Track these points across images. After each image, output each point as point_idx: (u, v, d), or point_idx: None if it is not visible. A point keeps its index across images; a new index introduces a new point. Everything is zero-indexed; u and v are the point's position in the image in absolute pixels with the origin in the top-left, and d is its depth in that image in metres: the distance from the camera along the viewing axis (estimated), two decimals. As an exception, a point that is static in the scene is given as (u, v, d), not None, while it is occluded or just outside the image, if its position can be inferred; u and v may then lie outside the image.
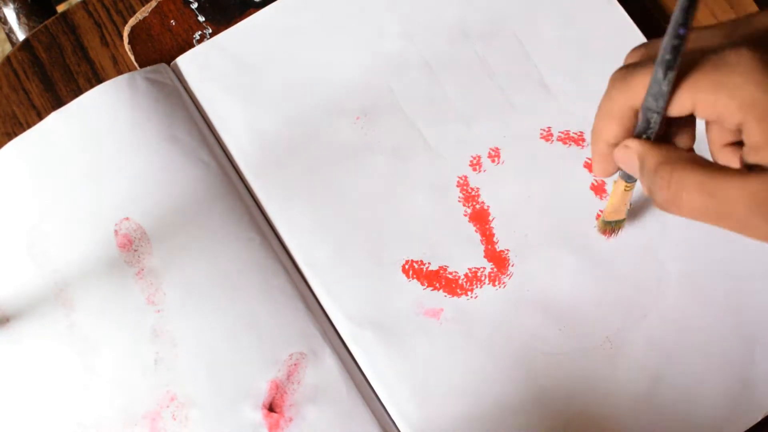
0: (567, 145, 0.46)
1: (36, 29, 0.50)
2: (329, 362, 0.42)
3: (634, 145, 0.32)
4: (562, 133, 0.47)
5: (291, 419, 0.41)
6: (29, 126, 0.47)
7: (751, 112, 0.27)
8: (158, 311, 0.43)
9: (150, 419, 0.42)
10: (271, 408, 0.42)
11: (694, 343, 0.43)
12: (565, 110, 0.47)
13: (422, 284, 0.44)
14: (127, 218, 0.45)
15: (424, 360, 0.43)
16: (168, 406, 0.42)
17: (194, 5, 0.50)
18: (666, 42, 0.27)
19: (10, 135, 0.48)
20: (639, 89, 0.30)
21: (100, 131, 0.46)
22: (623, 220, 0.43)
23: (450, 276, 0.44)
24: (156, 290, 0.44)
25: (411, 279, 0.44)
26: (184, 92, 0.48)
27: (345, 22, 0.49)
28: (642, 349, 0.43)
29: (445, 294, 0.44)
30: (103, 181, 0.45)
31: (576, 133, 0.47)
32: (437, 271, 0.44)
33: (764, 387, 0.42)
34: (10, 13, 0.54)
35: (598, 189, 0.46)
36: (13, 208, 0.45)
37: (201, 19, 0.50)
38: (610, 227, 0.43)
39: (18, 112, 0.49)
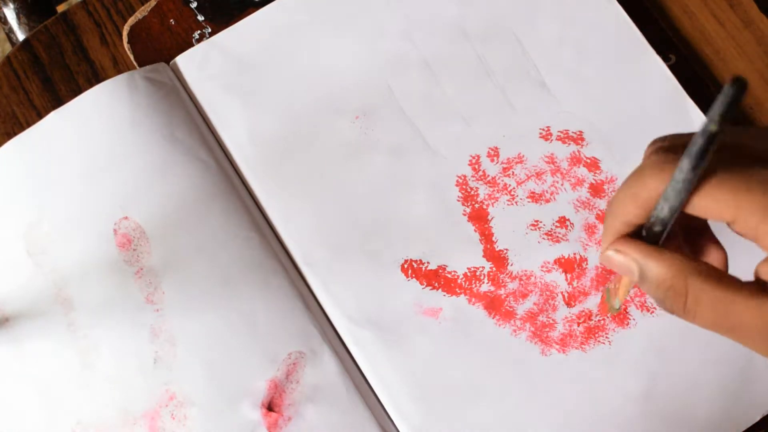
0: (566, 144, 0.46)
1: (36, 29, 0.50)
2: (328, 361, 0.42)
3: (631, 251, 0.29)
4: (561, 132, 0.47)
5: (290, 418, 0.41)
6: (29, 126, 0.47)
7: None
8: (157, 310, 0.43)
9: (149, 418, 0.42)
10: (269, 407, 0.42)
11: (693, 343, 0.43)
12: (564, 110, 0.47)
13: (421, 284, 0.44)
14: (126, 217, 0.45)
15: (423, 359, 0.43)
16: (167, 405, 0.42)
17: (194, 4, 0.50)
18: (699, 136, 0.25)
19: (10, 135, 0.48)
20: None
21: (99, 130, 0.46)
22: (617, 310, 0.42)
23: (449, 275, 0.44)
24: (155, 289, 0.44)
25: (410, 278, 0.44)
26: (184, 91, 0.48)
27: (345, 22, 0.49)
28: (641, 348, 0.43)
29: (444, 293, 0.44)
30: (102, 180, 0.45)
31: (575, 133, 0.47)
32: (436, 271, 0.44)
33: (762, 387, 0.42)
34: (10, 13, 0.54)
35: (597, 189, 0.46)
36: (12, 208, 0.45)
37: (200, 18, 0.50)
38: (618, 311, 0.42)
39: (18, 111, 0.49)
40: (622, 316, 0.43)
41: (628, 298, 0.44)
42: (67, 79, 0.49)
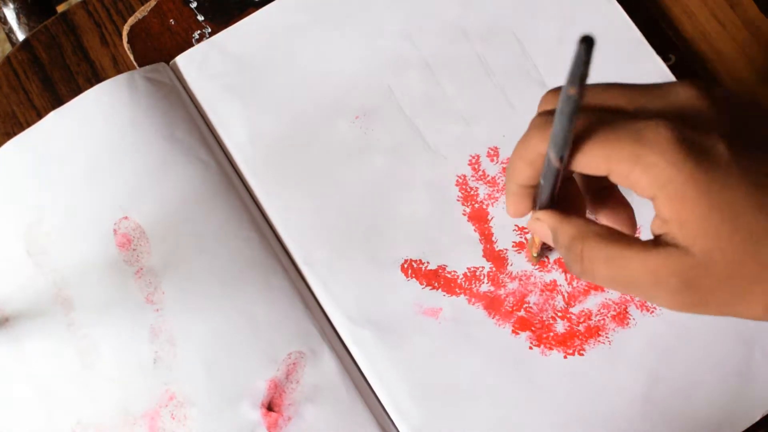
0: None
1: (36, 29, 0.50)
2: (328, 361, 0.42)
3: (545, 218, 0.33)
4: (561, 132, 0.47)
5: (290, 418, 0.41)
6: (29, 126, 0.47)
7: (663, 190, 0.28)
8: (157, 310, 0.43)
9: (149, 418, 0.42)
10: (269, 407, 0.42)
11: (693, 343, 0.43)
12: (564, 110, 0.47)
13: (421, 283, 0.44)
14: (126, 217, 0.45)
15: (423, 359, 0.43)
16: (167, 405, 0.42)
17: (193, 4, 0.50)
18: (564, 92, 0.27)
19: (10, 135, 0.48)
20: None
21: (99, 130, 0.46)
22: (536, 258, 0.44)
23: (449, 275, 0.44)
24: (155, 289, 0.44)
25: (410, 278, 0.44)
26: (183, 91, 0.48)
27: (344, 22, 0.49)
28: (641, 348, 0.43)
29: (444, 293, 0.44)
30: (102, 180, 0.45)
31: (575, 133, 0.47)
32: (436, 271, 0.44)
33: (762, 386, 0.42)
34: (10, 13, 0.54)
35: (598, 188, 0.46)
36: (12, 208, 0.45)
37: (200, 18, 0.50)
38: (538, 259, 0.44)
39: (18, 111, 0.49)
40: (622, 316, 0.43)
41: (627, 298, 0.44)
42: (67, 79, 0.49)
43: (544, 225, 0.33)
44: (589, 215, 0.35)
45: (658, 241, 0.30)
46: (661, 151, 0.28)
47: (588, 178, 0.35)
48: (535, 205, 0.34)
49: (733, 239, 0.28)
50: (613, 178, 0.30)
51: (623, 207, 0.35)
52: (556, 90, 0.32)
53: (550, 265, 0.44)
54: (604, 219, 0.35)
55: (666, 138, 0.28)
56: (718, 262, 0.28)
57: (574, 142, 0.29)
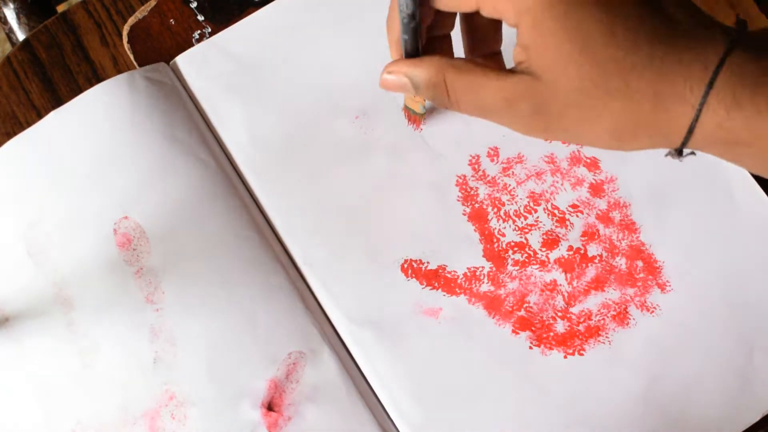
0: (566, 144, 0.46)
1: (36, 29, 0.50)
2: (328, 361, 0.42)
3: (396, 68, 0.34)
4: (561, 132, 0.47)
5: (290, 418, 0.41)
6: (29, 126, 0.47)
7: (524, 17, 0.30)
8: (157, 310, 0.43)
9: (149, 418, 0.42)
10: (269, 407, 0.42)
11: (693, 343, 0.43)
12: (564, 109, 0.47)
13: (421, 283, 0.44)
14: (126, 217, 0.45)
15: (423, 359, 0.43)
16: (167, 405, 0.42)
17: (193, 4, 0.50)
18: None
19: (10, 135, 0.48)
20: None
21: (99, 130, 0.46)
22: (423, 114, 0.45)
23: (449, 275, 0.44)
24: (155, 289, 0.44)
25: (410, 278, 0.44)
26: (183, 91, 0.48)
27: (344, 21, 0.49)
28: (641, 348, 0.43)
29: (444, 293, 0.44)
30: (102, 179, 0.45)
31: (575, 133, 0.47)
32: (436, 271, 0.44)
33: (762, 387, 0.42)
34: (10, 13, 0.54)
35: (597, 189, 0.46)
36: (12, 207, 0.45)
37: (200, 18, 0.50)
38: (412, 115, 0.45)
39: (18, 111, 0.49)
40: (622, 316, 0.43)
41: (627, 298, 0.44)
42: (67, 79, 0.49)
43: (399, 75, 0.34)
44: None
45: (514, 70, 0.31)
46: None
47: (470, 37, 0.37)
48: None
49: (582, 66, 0.29)
50: (484, 12, 0.31)
51: (496, 47, 0.37)
52: None
53: (550, 265, 0.44)
54: None
55: None
56: (566, 88, 0.30)
57: None
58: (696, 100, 0.29)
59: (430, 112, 0.47)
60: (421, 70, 0.33)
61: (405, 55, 0.35)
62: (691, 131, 0.30)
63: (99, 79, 0.49)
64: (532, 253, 0.45)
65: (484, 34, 0.37)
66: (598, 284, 0.44)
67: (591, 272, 0.44)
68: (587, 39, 0.29)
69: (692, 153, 0.31)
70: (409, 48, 0.35)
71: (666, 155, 0.32)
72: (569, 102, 0.30)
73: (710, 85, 0.29)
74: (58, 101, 0.49)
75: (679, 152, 0.31)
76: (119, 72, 0.49)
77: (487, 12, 0.31)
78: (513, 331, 0.43)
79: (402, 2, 0.32)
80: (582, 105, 0.30)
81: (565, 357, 0.43)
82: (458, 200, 0.46)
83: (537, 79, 0.30)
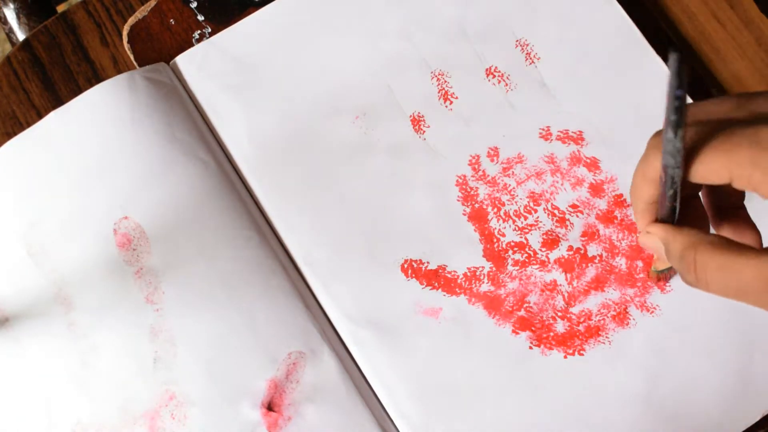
0: (566, 144, 0.46)
1: (36, 29, 0.50)
2: (328, 361, 0.42)
3: (656, 231, 0.33)
4: (561, 132, 0.47)
5: (289, 418, 0.41)
6: (29, 126, 0.47)
7: None
8: (157, 310, 0.43)
9: (149, 418, 0.42)
10: (269, 407, 0.42)
11: (693, 343, 0.43)
12: (563, 110, 0.47)
13: (421, 283, 0.44)
14: (126, 217, 0.45)
15: (423, 359, 0.43)
16: (167, 405, 0.42)
17: (193, 4, 0.50)
18: (668, 104, 0.28)
19: (10, 135, 0.48)
20: None
21: (99, 130, 0.46)
22: (670, 267, 0.42)
23: (449, 275, 0.44)
24: (155, 289, 0.44)
25: (410, 278, 0.44)
26: (183, 91, 0.48)
27: (344, 22, 0.49)
28: (641, 348, 0.43)
29: (444, 293, 0.44)
30: (101, 179, 0.45)
31: (575, 132, 0.47)
32: (436, 271, 0.44)
33: (763, 387, 0.42)
34: (10, 13, 0.54)
35: (597, 189, 0.46)
36: (12, 207, 0.45)
37: (200, 18, 0.50)
38: (660, 275, 0.43)
39: (18, 111, 0.49)
40: (622, 316, 0.43)
41: (627, 298, 0.44)
42: (67, 79, 0.49)
43: (655, 238, 0.33)
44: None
45: None
46: None
47: (714, 196, 0.35)
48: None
49: None
50: (736, 184, 0.30)
51: (749, 228, 0.35)
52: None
53: (550, 265, 0.44)
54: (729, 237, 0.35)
55: None
56: None
57: (692, 154, 0.30)
58: None
59: (433, 115, 0.47)
60: (677, 240, 0.32)
61: (660, 219, 0.34)
62: None
63: (99, 79, 0.49)
64: (532, 253, 0.45)
65: (728, 195, 0.35)
66: (598, 284, 0.44)
67: (591, 272, 0.44)
68: None
69: None
70: (663, 212, 0.33)
71: None
72: None
73: None
74: (58, 101, 0.49)
75: None
76: (119, 72, 0.49)
77: (740, 185, 0.30)
78: (513, 331, 0.43)
79: (665, 168, 0.30)
80: None
81: (565, 357, 0.43)
82: (458, 200, 0.46)
83: None
